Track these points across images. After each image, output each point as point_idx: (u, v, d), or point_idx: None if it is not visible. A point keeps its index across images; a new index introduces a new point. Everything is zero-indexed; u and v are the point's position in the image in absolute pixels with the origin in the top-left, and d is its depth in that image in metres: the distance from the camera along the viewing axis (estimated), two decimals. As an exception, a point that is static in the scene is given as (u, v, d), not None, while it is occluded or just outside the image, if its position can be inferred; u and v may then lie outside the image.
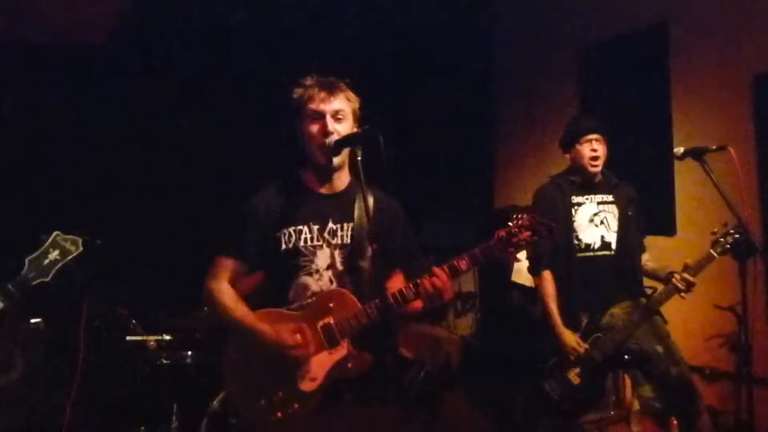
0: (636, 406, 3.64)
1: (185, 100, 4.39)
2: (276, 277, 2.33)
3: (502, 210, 4.49)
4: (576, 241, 3.32)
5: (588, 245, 3.33)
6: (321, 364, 2.22)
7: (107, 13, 4.21)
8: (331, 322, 2.23)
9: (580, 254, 3.31)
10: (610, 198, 3.39)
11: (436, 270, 2.16)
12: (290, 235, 2.29)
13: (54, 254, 2.16)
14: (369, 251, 2.31)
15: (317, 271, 2.30)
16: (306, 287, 2.29)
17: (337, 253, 2.31)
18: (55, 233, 2.19)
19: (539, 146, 5.14)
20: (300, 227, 2.29)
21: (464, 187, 5.21)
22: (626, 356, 3.22)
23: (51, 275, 2.16)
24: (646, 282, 3.43)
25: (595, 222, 3.35)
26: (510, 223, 2.19)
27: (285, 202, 2.31)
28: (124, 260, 3.93)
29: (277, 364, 2.21)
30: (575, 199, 3.37)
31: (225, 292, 2.29)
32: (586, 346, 3.19)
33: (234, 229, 2.34)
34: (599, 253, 3.33)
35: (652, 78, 4.37)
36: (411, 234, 2.44)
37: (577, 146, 3.32)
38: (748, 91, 3.85)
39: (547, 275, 3.30)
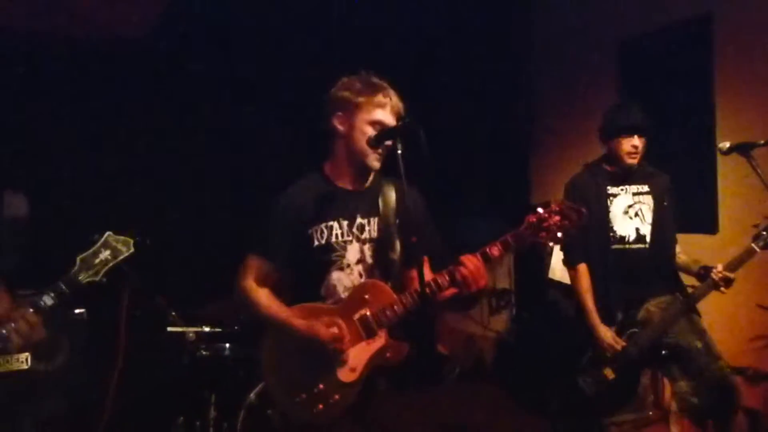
0: (674, 406, 3.57)
1: (221, 95, 4.42)
2: (307, 273, 2.35)
3: (538, 206, 4.43)
4: (610, 233, 3.25)
5: (622, 237, 3.26)
6: (360, 354, 2.25)
7: (147, 7, 4.26)
8: (368, 313, 2.26)
9: (614, 246, 3.25)
10: (645, 188, 3.31)
11: (468, 257, 2.17)
12: (322, 231, 2.32)
13: (105, 254, 2.19)
14: (398, 244, 2.34)
15: (348, 265, 2.34)
16: (338, 281, 2.33)
17: (366, 247, 2.35)
18: (107, 233, 2.22)
19: (577, 141, 5.06)
20: (330, 223, 2.33)
21: (501, 183, 5.16)
22: (663, 351, 3.16)
23: (101, 274, 2.19)
24: (685, 279, 3.35)
25: (630, 214, 3.28)
26: (539, 209, 2.22)
27: (314, 198, 2.34)
28: (164, 251, 3.99)
29: (315, 357, 2.24)
30: (610, 190, 3.30)
31: (257, 289, 2.33)
32: (623, 342, 3.14)
33: (263, 228, 2.37)
34: (633, 246, 3.25)
35: (695, 70, 4.27)
36: (433, 223, 2.46)
37: (617, 139, 3.24)
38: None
39: (582, 268, 3.25)
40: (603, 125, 3.34)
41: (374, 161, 2.30)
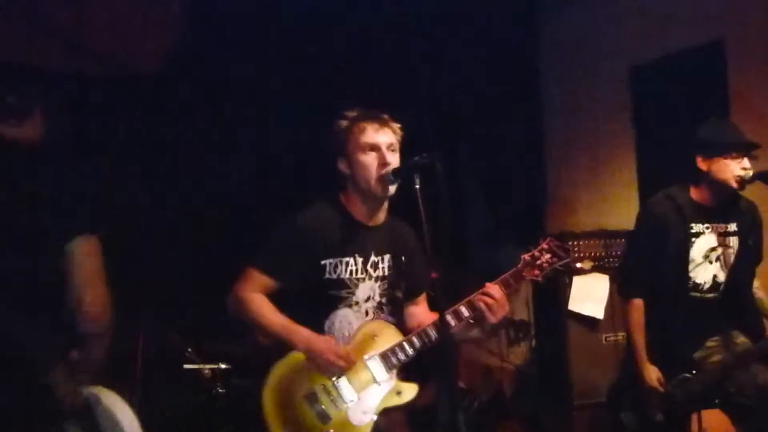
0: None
1: (235, 128, 4.44)
2: (312, 306, 2.31)
3: (555, 236, 4.38)
4: (687, 280, 2.97)
5: (697, 285, 2.99)
6: (371, 397, 2.21)
7: (159, 41, 4.30)
8: (377, 354, 2.23)
9: (689, 294, 2.99)
10: (734, 227, 2.99)
11: (492, 286, 2.23)
12: (336, 266, 2.29)
13: None
14: (403, 284, 2.37)
15: (357, 303, 2.31)
16: (344, 318, 2.29)
17: (377, 285, 2.34)
18: None
19: (591, 167, 5.04)
20: (347, 259, 2.30)
21: (515, 212, 5.12)
22: (717, 400, 2.96)
23: None
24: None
25: (710, 258, 2.98)
26: (531, 248, 2.35)
27: (330, 228, 2.32)
28: (178, 287, 3.98)
29: (324, 402, 2.19)
30: (694, 228, 2.96)
31: (259, 299, 2.28)
32: (666, 388, 2.94)
33: (276, 247, 2.33)
34: (707, 295, 2.99)
35: (709, 95, 4.23)
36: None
37: (726, 159, 2.87)
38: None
39: (637, 303, 3.02)
40: (701, 143, 2.97)
41: (379, 188, 2.27)
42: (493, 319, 2.21)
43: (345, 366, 2.18)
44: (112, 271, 3.88)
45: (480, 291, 2.23)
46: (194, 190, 4.31)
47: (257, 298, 2.28)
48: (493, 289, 2.22)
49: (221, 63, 4.38)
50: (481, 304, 2.20)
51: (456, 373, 3.13)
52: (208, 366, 3.39)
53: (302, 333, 2.22)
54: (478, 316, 2.22)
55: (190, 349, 3.45)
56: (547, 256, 2.33)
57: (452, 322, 2.20)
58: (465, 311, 2.22)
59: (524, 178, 5.31)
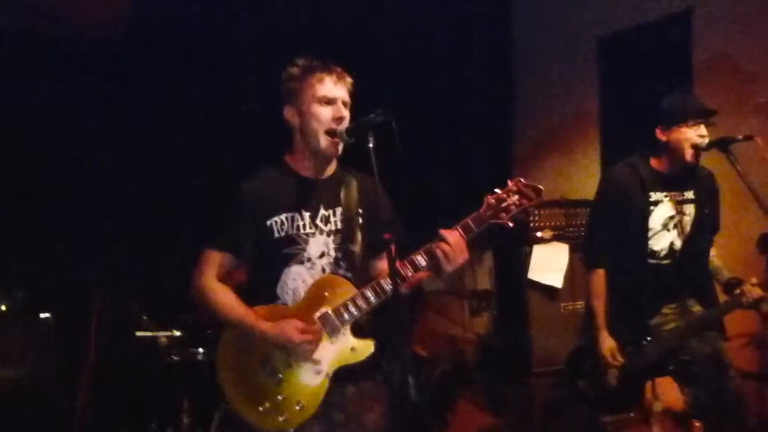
0: (658, 407, 3.51)
1: (191, 96, 4.33)
2: (264, 267, 2.25)
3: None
4: (645, 247, 3.01)
5: (655, 252, 3.04)
6: (323, 355, 2.16)
7: (117, 7, 4.18)
8: (329, 310, 2.17)
9: (647, 261, 3.03)
10: (690, 195, 3.04)
11: (448, 231, 2.09)
12: (282, 223, 2.22)
13: None
14: (359, 236, 2.27)
15: (309, 259, 2.23)
16: (298, 276, 2.22)
17: (331, 240, 2.25)
18: None
19: (559, 138, 5.06)
20: (292, 214, 2.23)
21: (481, 182, 5.11)
22: (671, 367, 3.02)
23: None
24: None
25: (668, 227, 3.03)
26: (497, 189, 2.16)
27: (275, 188, 2.25)
28: (134, 254, 3.91)
29: (276, 362, 2.15)
30: (653, 196, 3.01)
31: (218, 289, 2.21)
32: (620, 360, 3.00)
33: (224, 220, 2.26)
34: (663, 261, 3.04)
35: (675, 69, 4.25)
36: (394, 211, 2.36)
37: (682, 127, 2.90)
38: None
39: (600, 273, 3.06)
40: (663, 112, 3.00)
41: (329, 146, 2.21)
42: (449, 267, 2.10)
43: (313, 341, 2.13)
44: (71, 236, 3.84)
45: (437, 238, 2.12)
46: (154, 155, 4.21)
47: (214, 288, 2.21)
48: (450, 234, 2.09)
49: (182, 30, 4.26)
50: (438, 251, 2.09)
51: (408, 334, 3.07)
52: (163, 333, 3.34)
53: (262, 325, 2.15)
54: (435, 265, 2.12)
55: (145, 317, 3.40)
56: (515, 197, 2.14)
57: (409, 273, 2.12)
58: (421, 260, 2.12)
59: (488, 146, 5.29)
